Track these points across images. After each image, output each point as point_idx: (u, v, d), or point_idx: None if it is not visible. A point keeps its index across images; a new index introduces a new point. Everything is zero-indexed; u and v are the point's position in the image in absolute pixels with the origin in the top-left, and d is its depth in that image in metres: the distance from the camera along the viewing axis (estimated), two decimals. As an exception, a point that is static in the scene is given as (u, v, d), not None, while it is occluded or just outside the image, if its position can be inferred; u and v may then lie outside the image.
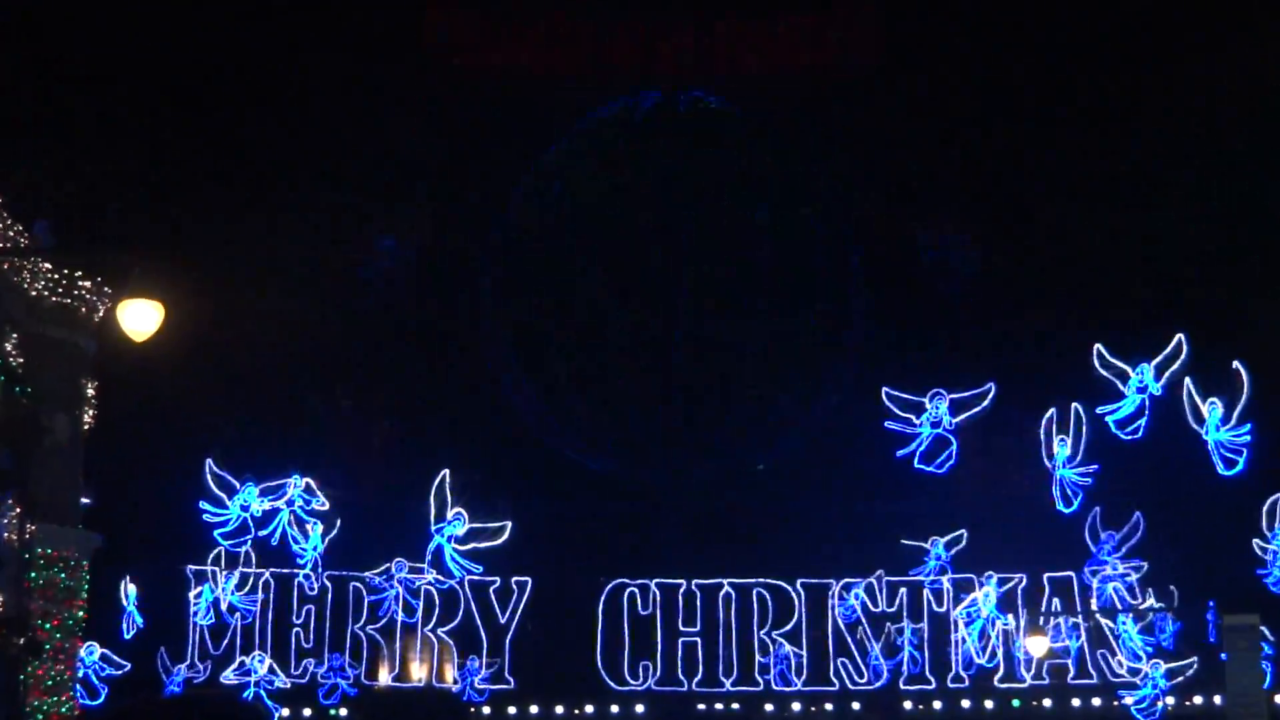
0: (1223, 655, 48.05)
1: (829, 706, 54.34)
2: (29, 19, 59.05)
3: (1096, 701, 52.68)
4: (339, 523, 54.43)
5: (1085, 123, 60.14)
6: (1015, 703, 53.22)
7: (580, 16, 59.88)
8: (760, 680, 53.70)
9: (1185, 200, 55.55)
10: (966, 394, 54.57)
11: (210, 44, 61.41)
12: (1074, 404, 53.66)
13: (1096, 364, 53.35)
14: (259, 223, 57.94)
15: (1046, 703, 53.14)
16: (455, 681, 54.06)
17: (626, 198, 57.77)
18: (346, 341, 57.46)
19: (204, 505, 54.29)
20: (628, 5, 60.86)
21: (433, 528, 54.09)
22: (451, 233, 58.54)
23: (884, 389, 55.35)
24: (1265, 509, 51.71)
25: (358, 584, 54.16)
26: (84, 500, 47.62)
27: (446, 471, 54.57)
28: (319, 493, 54.45)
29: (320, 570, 54.24)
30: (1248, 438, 52.27)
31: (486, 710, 55.48)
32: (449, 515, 54.15)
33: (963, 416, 54.35)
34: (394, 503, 55.36)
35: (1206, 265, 55.54)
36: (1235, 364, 52.34)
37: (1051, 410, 53.87)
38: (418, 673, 54.28)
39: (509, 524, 54.30)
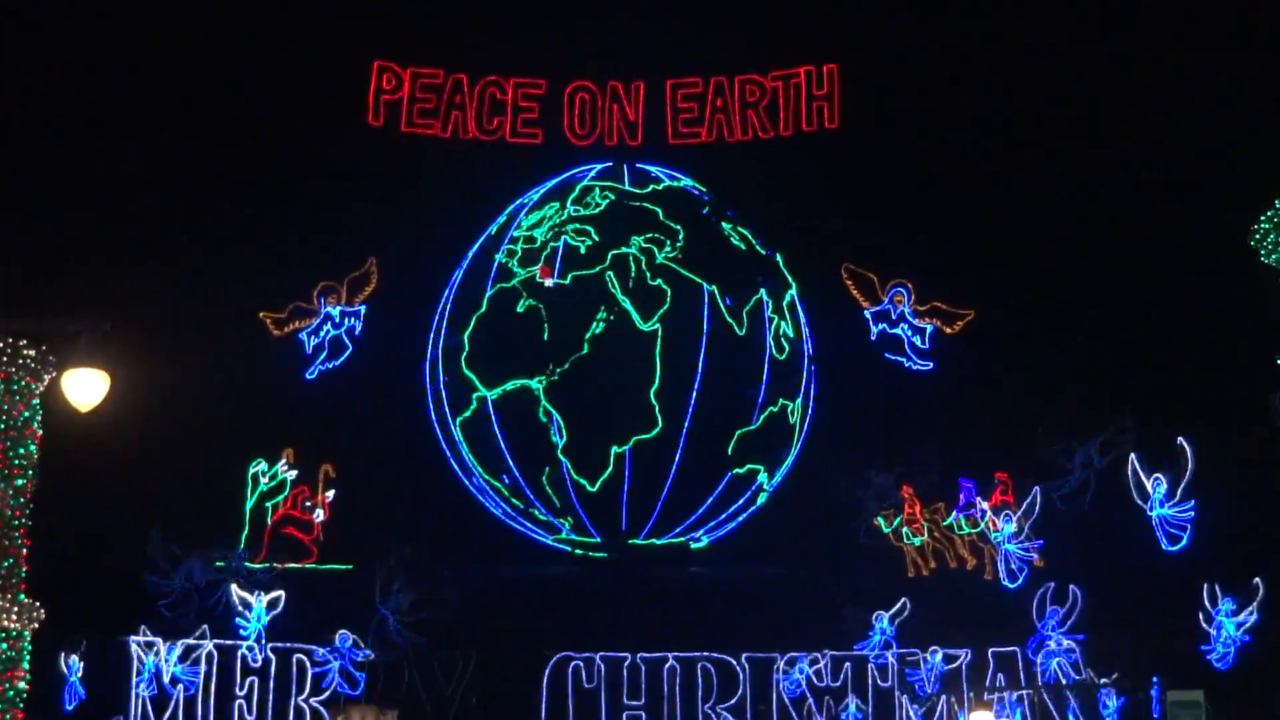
0: (1166, 730, 48.09)
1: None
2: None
3: (1044, 777, 52.59)
4: (283, 595, 53.33)
5: (1039, 195, 60.29)
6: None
7: (531, 82, 59.84)
8: (705, 758, 53.83)
9: (1132, 283, 55.68)
10: (913, 468, 54.14)
11: (158, 109, 61.06)
12: (1030, 482, 53.09)
13: (1041, 440, 52.59)
14: (207, 291, 57.73)
15: (990, 781, 52.97)
16: (400, 752, 53.97)
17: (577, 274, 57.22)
18: (285, 415, 57.09)
19: (148, 576, 52.97)
20: (576, 71, 60.77)
21: (378, 599, 52.92)
22: (398, 304, 58.15)
23: (834, 461, 54.97)
24: (1207, 586, 51.07)
25: (301, 656, 53.17)
26: (25, 571, 47.69)
27: (394, 545, 53.32)
28: (263, 564, 53.92)
29: (264, 642, 53.31)
30: (1191, 514, 51.44)
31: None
32: (394, 588, 53.15)
33: (903, 488, 54.17)
34: (339, 575, 55.04)
35: (1153, 343, 56.00)
36: (1180, 440, 51.72)
37: (997, 484, 53.83)
38: (375, 755, 53.91)
39: (453, 587, 53.60)
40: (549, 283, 56.56)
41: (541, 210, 58.38)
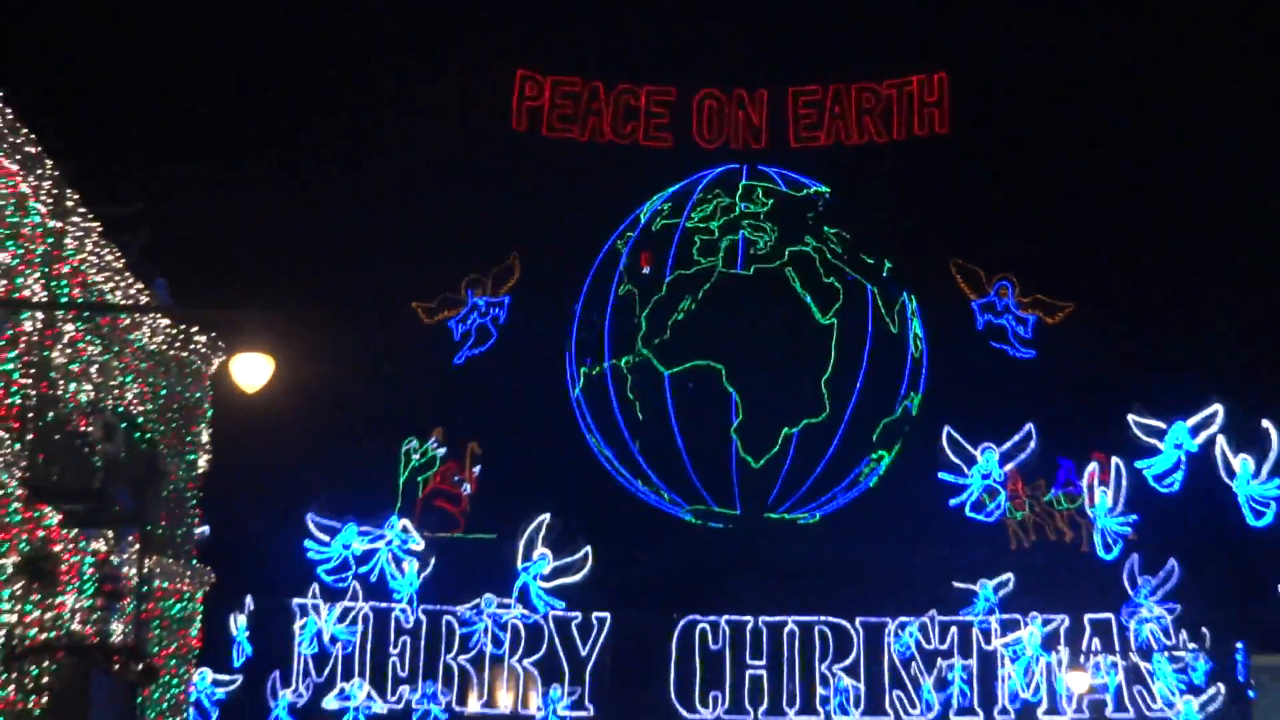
0: (1251, 693, 49.49)
1: (898, 728, 55.54)
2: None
3: (1138, 731, 53.88)
4: (433, 561, 55.24)
5: (1133, 194, 60.64)
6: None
7: (661, 89, 60.15)
8: (821, 710, 54.45)
9: (1221, 273, 56.18)
10: (1015, 448, 55.73)
11: (324, 123, 62.52)
12: (1114, 458, 54.77)
13: (1135, 423, 54.68)
14: (364, 283, 59.20)
15: (1088, 733, 54.43)
16: (539, 709, 54.75)
17: (703, 269, 58.10)
18: (436, 397, 58.19)
19: (308, 544, 55.54)
20: (704, 78, 60.97)
21: (519, 566, 54.88)
22: (537, 294, 59.15)
23: (945, 432, 56.63)
24: None
25: (450, 617, 54.94)
26: (199, 537, 49.41)
27: (546, 516, 55.45)
28: (415, 533, 55.50)
29: (415, 604, 55.03)
30: (1276, 491, 53.45)
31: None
32: (535, 555, 55.07)
33: (1007, 466, 55.43)
34: (484, 543, 56.13)
35: (1240, 334, 56.47)
36: (1265, 423, 53.68)
37: (1094, 463, 55.14)
38: (504, 700, 54.95)
39: (590, 563, 55.27)
40: (646, 270, 58.03)
41: (709, 205, 58.93)
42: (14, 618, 34.61)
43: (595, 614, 55.46)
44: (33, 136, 34.98)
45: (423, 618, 55.44)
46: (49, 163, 35.74)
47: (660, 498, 58.50)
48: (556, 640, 55.13)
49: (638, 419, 58.31)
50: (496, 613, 55.37)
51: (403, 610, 55.43)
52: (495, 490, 57.38)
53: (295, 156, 61.64)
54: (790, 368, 57.95)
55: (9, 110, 33.69)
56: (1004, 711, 54.54)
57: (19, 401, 35.24)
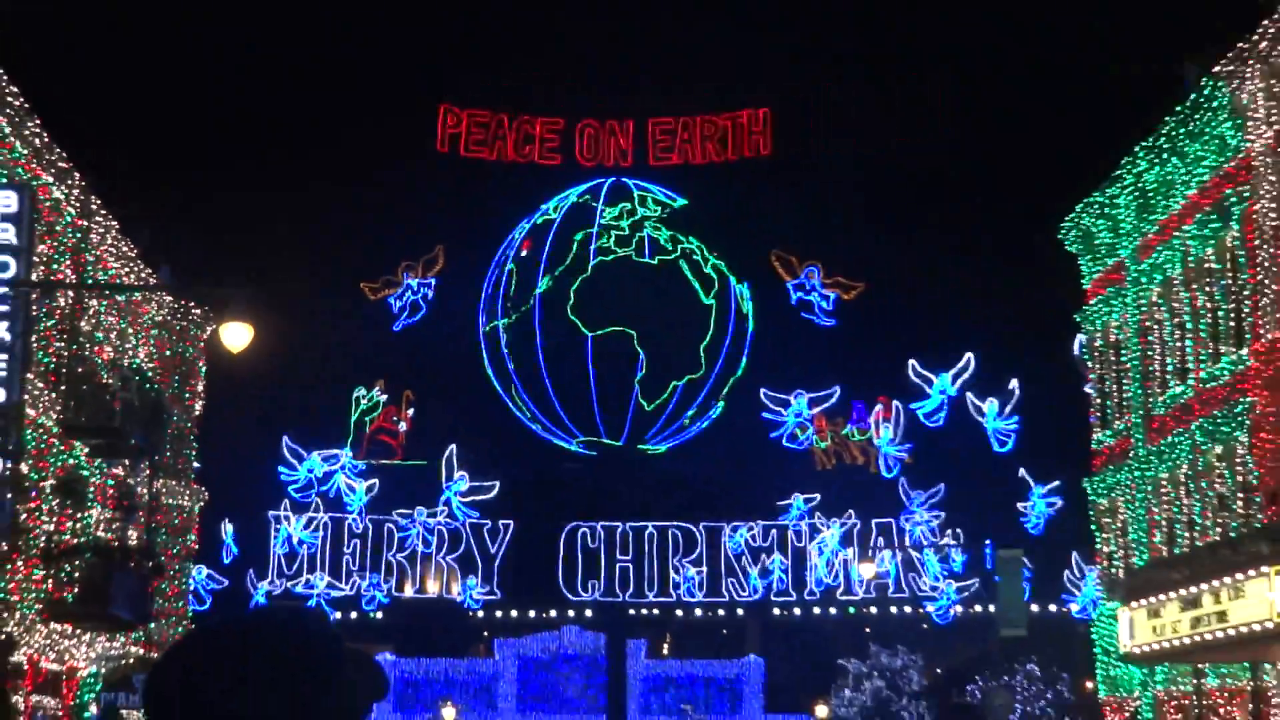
0: (996, 578, 50.46)
1: (720, 612, 56.41)
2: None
3: (908, 609, 54.75)
4: (376, 482, 55.62)
5: (910, 203, 61.74)
6: (851, 609, 55.29)
7: (552, 120, 58.92)
8: (673, 594, 55.16)
9: (971, 265, 56.90)
10: (820, 394, 56.14)
11: (295, 140, 62.46)
12: (894, 401, 55.53)
13: (911, 374, 55.56)
14: (324, 268, 59.27)
15: (873, 610, 55.33)
16: (459, 594, 55.30)
17: (586, 258, 57.86)
18: (379, 356, 58.16)
19: (281, 469, 55.86)
20: (585, 109, 60.25)
21: (443, 485, 55.43)
22: (457, 281, 58.93)
23: (761, 390, 56.91)
24: (1024, 475, 53.76)
25: (390, 525, 55.28)
26: (195, 465, 49.11)
27: (454, 446, 55.91)
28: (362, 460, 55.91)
29: (364, 515, 55.33)
30: (1014, 426, 54.65)
31: (481, 614, 57.45)
32: (455, 476, 55.56)
33: (815, 409, 55.68)
34: (416, 468, 56.12)
35: (989, 308, 56.86)
36: (1009, 376, 54.80)
37: (879, 405, 55.67)
38: (432, 588, 55.55)
39: (498, 482, 55.89)
40: (524, 253, 58.01)
41: (615, 209, 58.28)
42: (51, 526, 35.00)
43: (501, 521, 55.53)
44: (63, 154, 35.24)
45: (369, 525, 55.65)
46: (77, 175, 36.00)
47: (549, 431, 57.97)
48: (472, 541, 55.33)
49: (543, 369, 57.98)
50: (426, 521, 55.62)
51: (354, 519, 55.63)
52: (425, 427, 57.11)
53: (271, 167, 61.81)
54: (680, 336, 57.71)
55: (45, 134, 33.94)
56: (811, 593, 55.13)
57: (55, 360, 35.52)
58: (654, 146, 58.18)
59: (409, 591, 55.90)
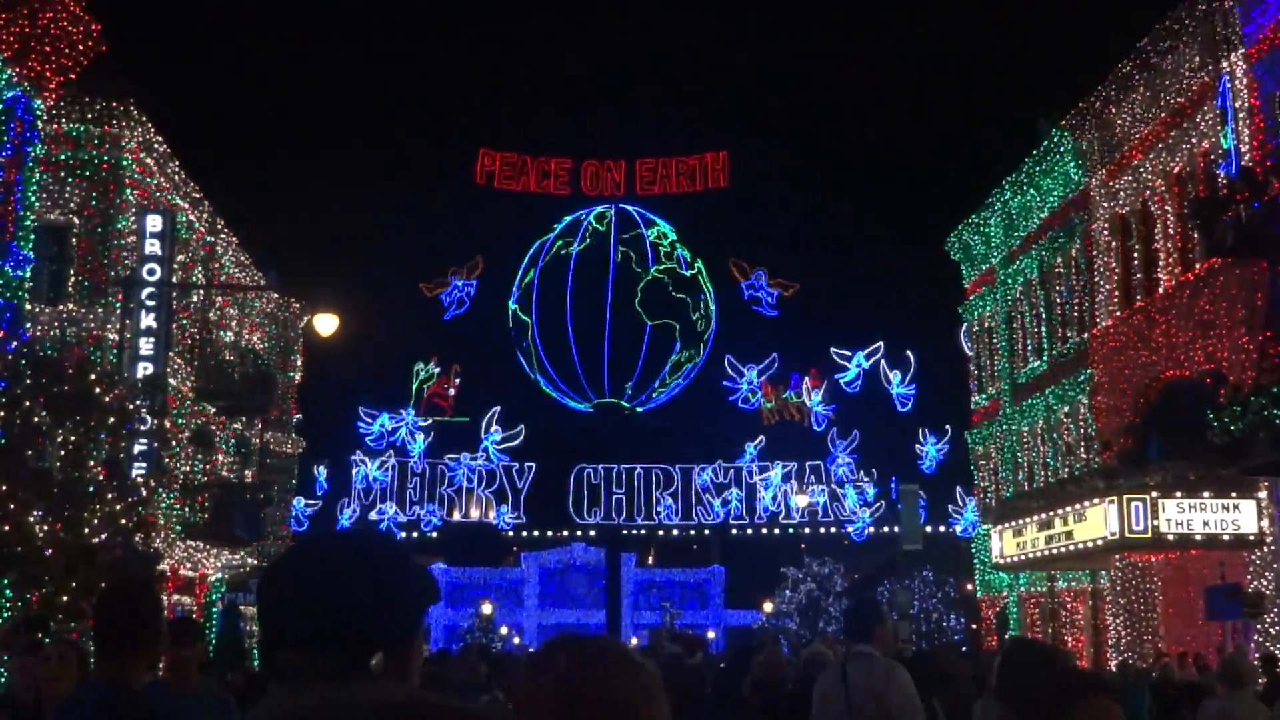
0: (899, 506, 50.61)
1: (691, 532, 56.26)
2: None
3: (833, 530, 54.36)
4: (432, 434, 55.33)
5: (834, 223, 61.91)
6: (790, 529, 55.07)
7: (563, 160, 57.30)
8: (655, 518, 54.77)
9: (883, 268, 57.18)
10: (765, 366, 55.50)
11: (367, 163, 62.11)
12: (821, 372, 54.96)
13: (833, 354, 55.20)
14: (393, 272, 59.44)
15: (806, 530, 55.18)
16: (494, 518, 54.92)
17: (591, 268, 56.57)
18: (433, 338, 57.80)
19: (359, 424, 55.51)
20: (590, 150, 60.31)
21: (482, 436, 55.29)
22: (493, 282, 58.16)
23: (726, 359, 56.07)
24: (921, 430, 53.39)
25: (442, 466, 55.12)
26: (296, 420, 49.41)
27: (497, 408, 55.70)
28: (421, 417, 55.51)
29: (423, 458, 55.21)
30: (913, 391, 54.09)
31: (511, 534, 57.45)
32: (491, 429, 55.69)
33: (762, 378, 55.30)
34: (461, 423, 55.62)
35: (897, 298, 57.22)
36: (908, 352, 54.55)
37: (809, 375, 55.16)
38: (475, 514, 55.03)
39: (522, 433, 55.77)
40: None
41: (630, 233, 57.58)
42: (188, 467, 35.20)
43: (526, 463, 55.32)
44: (196, 186, 35.38)
45: (426, 466, 55.29)
46: (206, 202, 36.16)
47: (563, 394, 57.43)
48: (504, 478, 55.02)
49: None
50: (469, 463, 55.28)
51: (414, 462, 55.26)
52: (469, 392, 56.80)
53: (351, 193, 61.89)
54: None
55: (182, 171, 34.08)
56: (759, 518, 54.74)
57: (190, 342, 35.72)
58: (640, 180, 57.37)
59: (456, 517, 55.42)
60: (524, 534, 57.49)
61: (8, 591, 17.84)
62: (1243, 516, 24.31)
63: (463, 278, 58.16)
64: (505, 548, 65.51)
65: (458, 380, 56.58)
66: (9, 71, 24.60)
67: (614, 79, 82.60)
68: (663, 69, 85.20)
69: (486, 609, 59.08)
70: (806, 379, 55.39)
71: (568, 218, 58.33)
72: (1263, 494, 24.07)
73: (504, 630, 62.53)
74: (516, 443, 55.60)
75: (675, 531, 56.36)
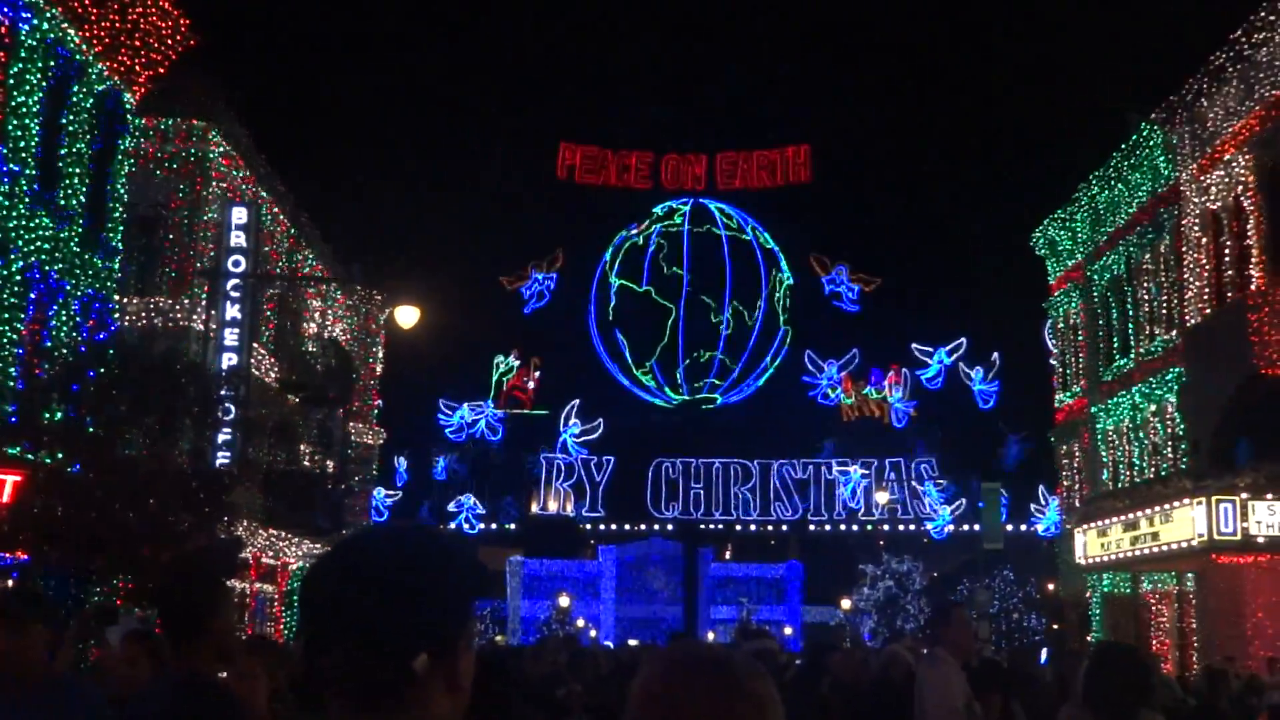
0: (980, 504, 50.19)
1: (769, 527, 55.83)
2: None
3: (913, 527, 54.20)
4: (509, 426, 55.77)
5: (916, 218, 61.31)
6: (869, 526, 54.87)
7: (644, 154, 57.59)
8: (734, 513, 54.58)
9: (971, 261, 56.50)
10: (845, 362, 55.40)
11: (452, 162, 62.35)
12: (903, 368, 54.91)
13: (914, 350, 55.04)
14: (475, 266, 59.55)
15: (886, 528, 55.00)
16: (573, 511, 55.18)
17: (669, 261, 56.60)
18: (514, 332, 57.54)
19: (440, 415, 55.86)
20: (670, 143, 59.57)
21: (561, 429, 55.66)
22: (574, 274, 58.29)
23: (806, 354, 55.93)
24: (1000, 426, 52.46)
25: (522, 458, 55.19)
26: (378, 411, 49.19)
27: (577, 401, 55.86)
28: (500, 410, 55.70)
29: (502, 451, 55.25)
30: (996, 389, 54.06)
31: (589, 527, 57.60)
32: (570, 422, 56.04)
33: (842, 374, 55.09)
34: (541, 416, 55.72)
35: (980, 293, 56.51)
36: (990, 349, 54.24)
37: (892, 371, 55.00)
38: (553, 507, 54.99)
39: (601, 427, 55.93)
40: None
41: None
42: (271, 457, 35.61)
43: (605, 456, 55.31)
44: (281, 179, 35.81)
45: (506, 459, 55.50)
46: (291, 196, 36.56)
47: (647, 388, 57.49)
48: (582, 472, 55.08)
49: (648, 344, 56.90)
50: (548, 456, 55.33)
51: (494, 454, 55.40)
52: (549, 385, 56.89)
53: (436, 189, 62.12)
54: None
55: (267, 165, 34.46)
56: (839, 514, 54.56)
57: (274, 333, 36.14)
58: (721, 174, 57.43)
59: (535, 509, 55.57)
60: (601, 527, 57.30)
61: (94, 579, 18.11)
62: (1335, 519, 23.78)
63: (543, 271, 58.11)
64: (583, 541, 65.60)
65: (537, 374, 56.59)
66: (100, 66, 25.00)
67: (696, 71, 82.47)
68: (746, 61, 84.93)
69: (564, 601, 59.18)
70: (888, 375, 55.09)
71: (659, 207, 57.82)
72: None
73: (580, 623, 62.60)
74: (595, 436, 55.63)
75: (753, 526, 55.87)
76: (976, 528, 50.47)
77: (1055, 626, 42.62)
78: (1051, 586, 46.86)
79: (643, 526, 57.12)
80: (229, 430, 27.96)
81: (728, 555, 72.97)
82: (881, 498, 53.02)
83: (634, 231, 57.22)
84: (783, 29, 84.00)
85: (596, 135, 60.58)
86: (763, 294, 56.23)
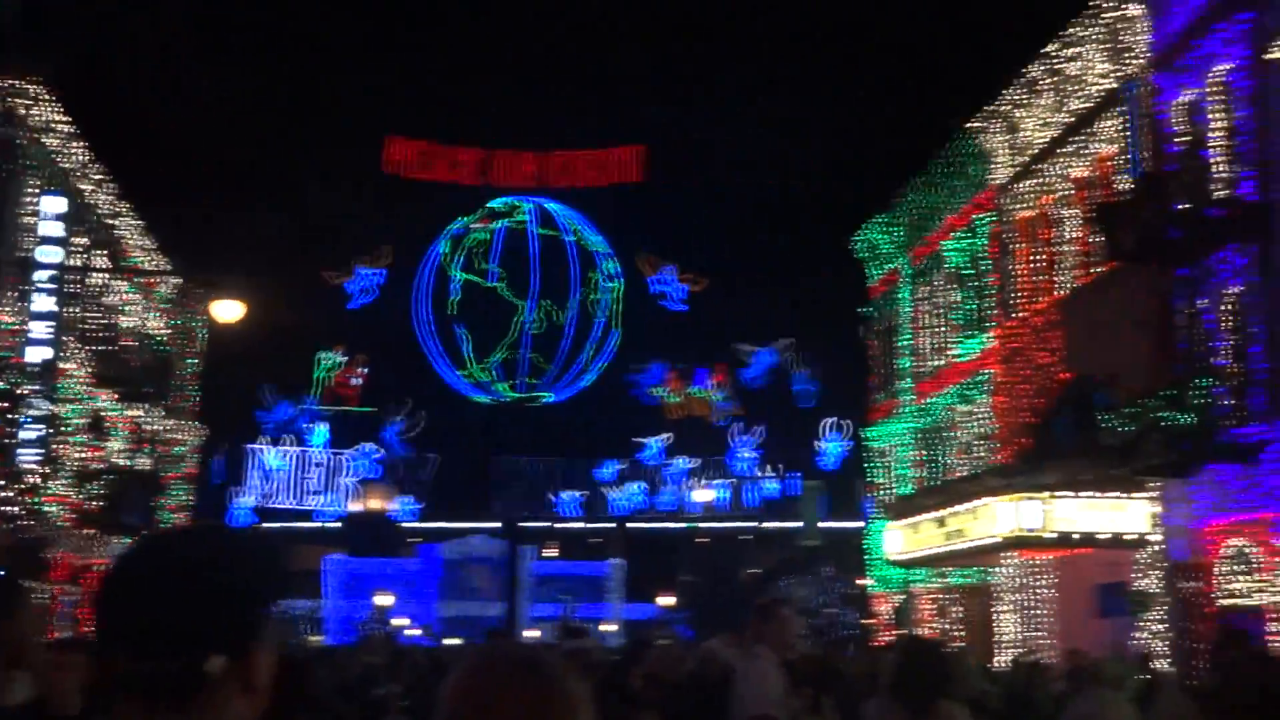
0: (800, 501, 51.03)
1: (592, 525, 56.69)
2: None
3: (735, 524, 55.42)
4: (330, 423, 55.23)
5: (743, 220, 61.87)
6: (690, 525, 55.56)
7: (475, 151, 57.05)
8: (557, 511, 54.97)
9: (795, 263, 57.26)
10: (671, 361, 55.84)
11: (274, 163, 61.06)
12: (727, 367, 55.38)
13: (739, 350, 55.44)
14: (299, 259, 58.48)
15: (708, 525, 55.86)
16: (395, 510, 54.87)
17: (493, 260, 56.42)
18: (344, 326, 56.95)
19: (259, 412, 55.16)
20: (501, 140, 59.47)
21: (385, 426, 54.98)
22: (404, 270, 57.62)
23: (633, 351, 56.42)
24: (820, 426, 54.15)
25: (344, 456, 54.69)
26: (197, 408, 48.83)
27: (409, 399, 55.42)
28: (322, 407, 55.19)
29: (326, 449, 55.07)
30: (817, 388, 54.97)
31: (411, 525, 57.29)
32: (395, 419, 55.38)
33: (668, 373, 55.30)
34: (366, 413, 55.30)
35: (803, 295, 57.31)
36: (813, 349, 54.98)
37: (716, 370, 55.46)
38: (374, 505, 54.76)
39: (423, 424, 55.58)
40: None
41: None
42: (82, 454, 34.53)
43: (428, 454, 55.35)
44: (101, 167, 34.71)
45: (328, 456, 55.03)
46: (111, 184, 35.48)
47: (481, 385, 56.90)
48: (405, 470, 54.94)
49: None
50: (371, 454, 54.98)
51: (316, 452, 54.91)
52: (375, 382, 56.54)
53: (260, 181, 61.01)
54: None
55: (88, 152, 33.37)
56: (661, 508, 55.07)
57: (88, 327, 35.00)
58: (552, 172, 57.40)
59: (356, 507, 54.94)
60: (423, 525, 56.95)
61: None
62: (1133, 517, 24.77)
63: (369, 266, 57.21)
64: (405, 539, 65.09)
65: (363, 370, 56.04)
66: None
67: (527, 67, 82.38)
68: (577, 60, 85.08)
69: (383, 600, 58.56)
70: (713, 374, 55.55)
71: (497, 201, 57.66)
72: (1152, 494, 24.53)
73: (402, 621, 62.06)
74: (418, 432, 55.47)
75: (576, 524, 56.10)
76: (798, 525, 51.41)
77: (866, 622, 43.48)
78: (866, 581, 47.75)
79: (466, 525, 56.41)
80: (38, 427, 27.08)
81: (551, 553, 73.06)
82: (703, 495, 53.41)
83: (476, 225, 56.61)
84: (614, 24, 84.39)
85: (427, 130, 60.62)
86: (574, 293, 56.22)
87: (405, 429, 55.43)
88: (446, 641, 49.90)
